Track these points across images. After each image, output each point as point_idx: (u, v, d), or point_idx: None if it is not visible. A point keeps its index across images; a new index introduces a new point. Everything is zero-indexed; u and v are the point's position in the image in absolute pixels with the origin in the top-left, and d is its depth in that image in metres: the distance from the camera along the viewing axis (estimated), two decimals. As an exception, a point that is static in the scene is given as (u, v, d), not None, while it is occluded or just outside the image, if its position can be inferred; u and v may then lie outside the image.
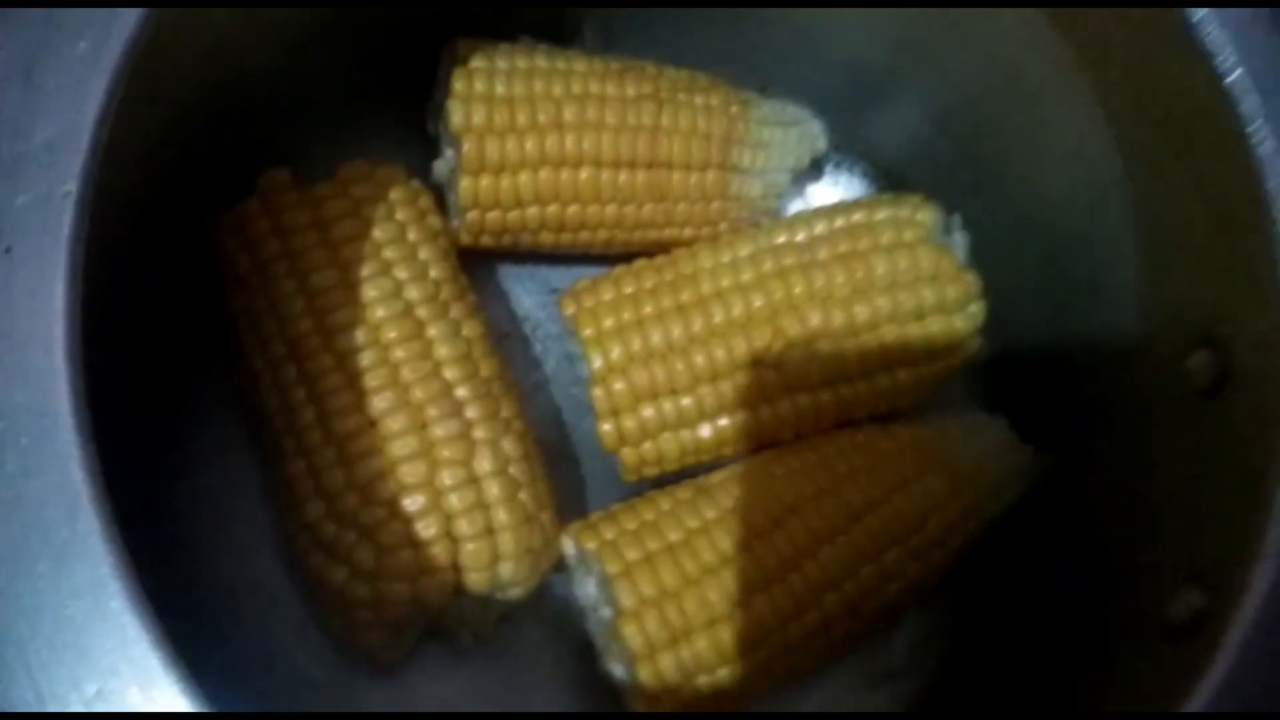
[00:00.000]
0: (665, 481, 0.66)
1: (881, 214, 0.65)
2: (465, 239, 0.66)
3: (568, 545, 0.62)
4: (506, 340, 0.74)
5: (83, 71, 0.39)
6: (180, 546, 0.65)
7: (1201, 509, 0.51)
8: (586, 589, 0.62)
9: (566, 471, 0.72)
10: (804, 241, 0.65)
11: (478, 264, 0.73)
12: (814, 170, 0.77)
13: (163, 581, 0.62)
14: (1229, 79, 0.44)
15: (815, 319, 0.62)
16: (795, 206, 0.77)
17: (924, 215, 0.64)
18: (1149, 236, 0.56)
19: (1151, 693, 0.47)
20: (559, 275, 0.74)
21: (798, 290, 0.62)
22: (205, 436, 0.67)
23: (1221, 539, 0.48)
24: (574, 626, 0.64)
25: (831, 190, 0.78)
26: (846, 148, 0.78)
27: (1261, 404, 0.45)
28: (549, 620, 0.68)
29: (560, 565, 0.64)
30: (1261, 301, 0.45)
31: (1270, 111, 0.43)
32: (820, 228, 0.65)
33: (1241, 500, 0.47)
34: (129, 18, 0.40)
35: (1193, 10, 0.44)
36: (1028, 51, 0.59)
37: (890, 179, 0.77)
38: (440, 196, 0.67)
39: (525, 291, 0.75)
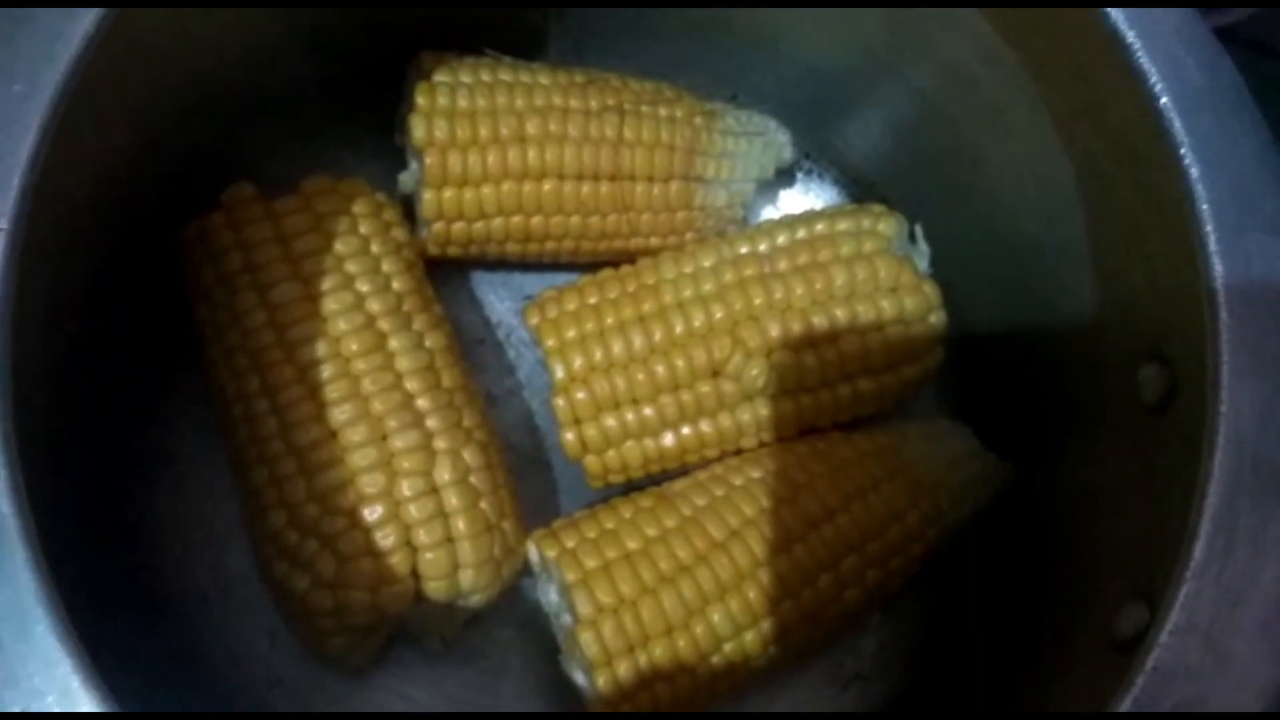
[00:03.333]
0: (635, 487, 0.67)
1: (842, 225, 0.65)
2: (432, 249, 0.67)
3: (532, 551, 0.63)
4: (480, 346, 0.75)
5: (15, 109, 0.39)
6: (152, 549, 0.67)
7: (1146, 524, 0.51)
8: (549, 595, 0.63)
9: (539, 477, 0.73)
10: (765, 252, 0.65)
11: (451, 271, 0.74)
12: (786, 178, 0.78)
13: (126, 588, 0.64)
14: (1160, 101, 0.44)
15: (774, 330, 0.63)
16: (767, 214, 0.78)
17: (884, 226, 0.65)
18: (1102, 247, 0.57)
19: (1090, 701, 0.48)
20: (532, 282, 0.75)
21: (757, 301, 0.63)
22: (180, 440, 0.69)
23: (1163, 553, 0.48)
24: (543, 629, 0.65)
25: (803, 198, 0.79)
26: (818, 155, 0.79)
27: (1199, 422, 0.45)
28: (519, 623, 0.69)
29: (529, 570, 0.65)
30: (1199, 320, 0.45)
31: (1196, 135, 0.43)
32: (782, 239, 0.65)
33: (1180, 514, 0.47)
34: (67, 47, 0.40)
35: (1124, 30, 0.45)
36: (984, 62, 0.59)
37: (861, 187, 0.78)
38: (409, 207, 0.68)
39: (498, 298, 0.76)
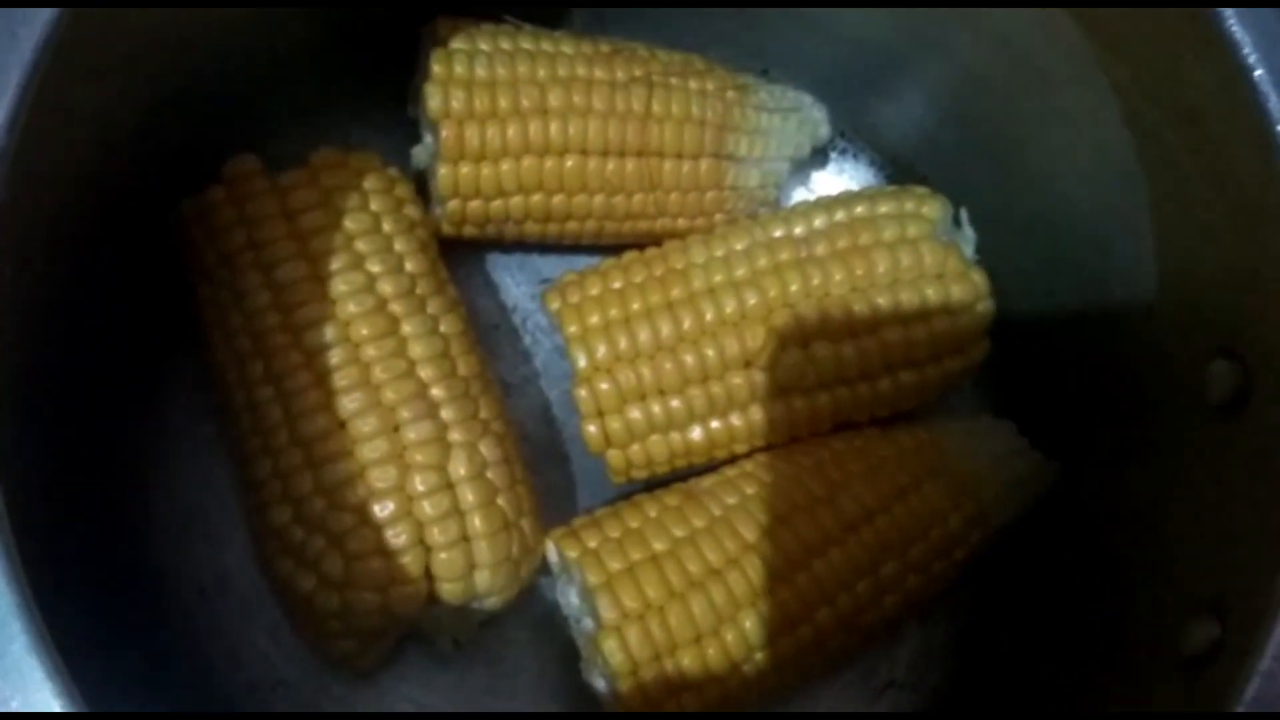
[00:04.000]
0: (657, 483, 0.64)
1: (884, 207, 0.61)
2: (447, 229, 0.64)
3: (551, 551, 0.60)
4: (495, 332, 0.72)
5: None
6: (148, 543, 0.63)
7: (1220, 534, 0.47)
8: (569, 597, 0.59)
9: (556, 470, 0.70)
10: (802, 236, 0.61)
11: (465, 253, 0.70)
12: (818, 158, 0.74)
13: (121, 585, 0.60)
14: (1255, 74, 0.40)
15: (811, 319, 0.59)
16: (799, 196, 0.74)
17: (929, 209, 0.61)
18: (1167, 237, 0.53)
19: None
20: (550, 265, 0.72)
21: (794, 288, 0.59)
22: (177, 428, 0.65)
23: (1240, 569, 0.45)
24: (560, 630, 0.62)
25: (836, 179, 0.75)
26: (853, 134, 0.75)
27: (1276, 428, 0.41)
28: (534, 624, 0.66)
29: (546, 569, 0.61)
30: (1277, 315, 0.41)
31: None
32: (819, 221, 0.62)
33: (1261, 529, 0.44)
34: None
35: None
36: (1041, 36, 0.55)
37: (898, 167, 0.74)
38: (422, 184, 0.64)
39: (515, 282, 0.73)
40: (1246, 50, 0.41)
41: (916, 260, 0.59)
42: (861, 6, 0.63)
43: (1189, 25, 0.43)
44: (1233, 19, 0.41)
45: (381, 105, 0.69)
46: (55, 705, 0.33)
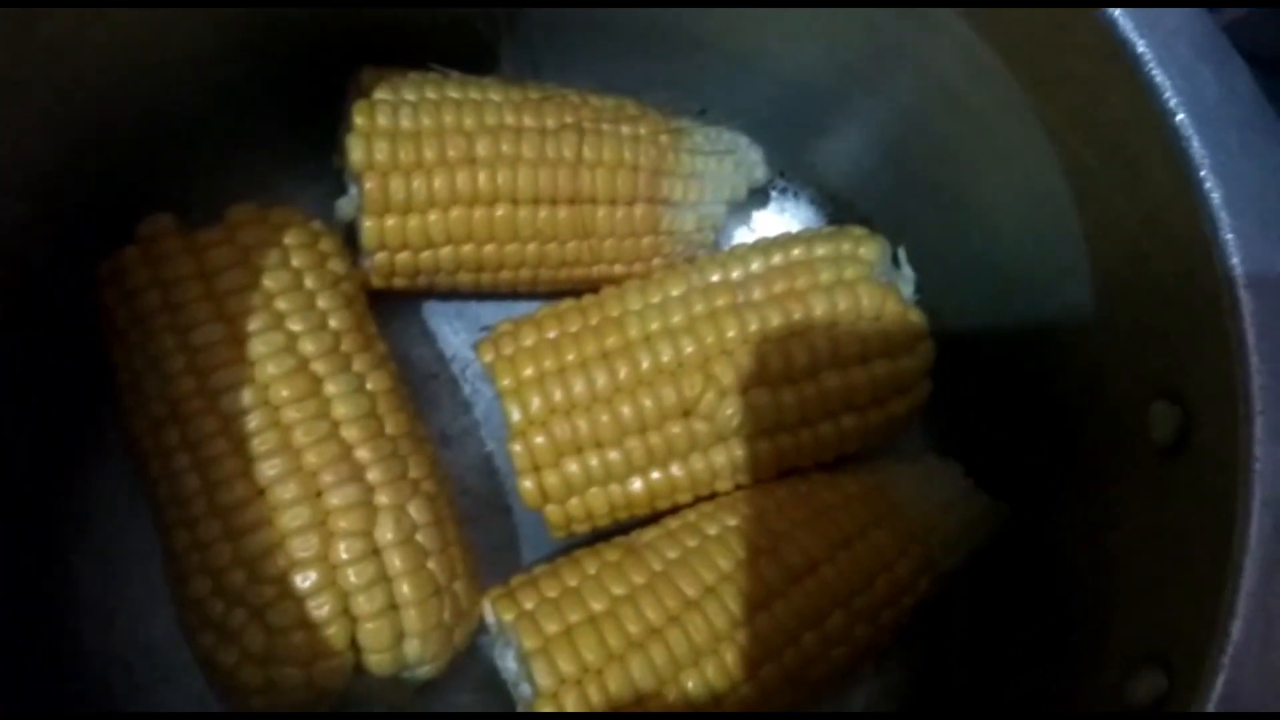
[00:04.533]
0: (603, 535, 0.62)
1: (821, 249, 0.60)
2: (376, 282, 0.62)
3: (488, 612, 0.58)
4: (434, 382, 0.70)
5: None
6: (70, 614, 0.61)
7: (1163, 581, 0.46)
8: (507, 661, 0.57)
9: (498, 522, 0.68)
10: (739, 280, 0.60)
11: (401, 302, 0.69)
12: (759, 198, 0.73)
13: (38, 657, 0.58)
14: (1176, 118, 0.39)
15: (749, 365, 0.58)
16: (740, 236, 0.73)
17: (866, 250, 0.60)
18: (1104, 276, 0.52)
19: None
20: (490, 312, 0.70)
21: (730, 334, 0.58)
22: (102, 496, 0.63)
23: (1183, 616, 0.44)
24: (505, 691, 0.60)
25: (778, 219, 0.74)
26: (793, 174, 0.74)
27: (1221, 468, 0.40)
28: (478, 686, 0.64)
29: (485, 628, 0.59)
30: (1216, 355, 0.41)
31: (1218, 156, 0.38)
32: (756, 265, 0.60)
33: (1203, 575, 0.43)
34: None
35: (1134, 41, 0.40)
36: (970, 72, 0.55)
37: (839, 206, 0.73)
38: (352, 236, 0.62)
39: (453, 330, 0.71)
40: (1168, 95, 0.40)
41: (854, 303, 0.58)
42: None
43: (1111, 66, 0.42)
44: (1152, 63, 0.40)
45: (313, 155, 0.67)
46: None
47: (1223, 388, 0.43)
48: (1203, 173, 0.38)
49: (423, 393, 0.68)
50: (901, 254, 0.62)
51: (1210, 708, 0.37)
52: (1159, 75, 0.39)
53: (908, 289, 0.61)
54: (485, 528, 0.66)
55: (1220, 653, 0.36)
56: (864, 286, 0.59)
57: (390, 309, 0.67)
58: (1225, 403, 0.43)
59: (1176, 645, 0.43)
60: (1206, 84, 0.39)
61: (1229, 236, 0.38)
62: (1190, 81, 0.39)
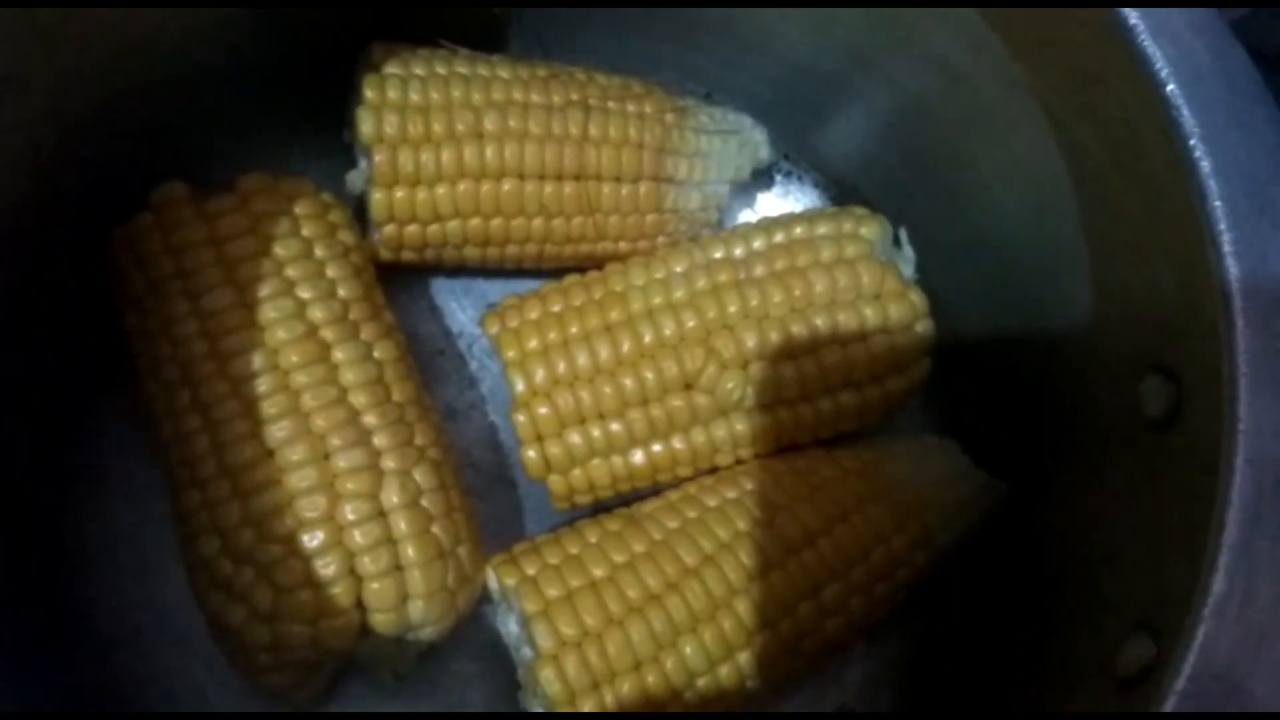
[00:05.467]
0: (605, 508, 0.63)
1: (822, 228, 0.61)
2: (385, 254, 0.63)
3: (491, 579, 0.59)
4: (440, 358, 0.71)
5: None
6: (81, 577, 0.62)
7: (1154, 551, 0.47)
8: (509, 626, 0.58)
9: (502, 496, 0.69)
10: (741, 257, 0.61)
11: (409, 278, 0.70)
12: (763, 180, 0.74)
13: (54, 622, 0.59)
14: (1167, 89, 0.40)
15: (750, 340, 0.59)
16: (743, 217, 0.74)
17: (867, 230, 0.61)
18: (1097, 252, 0.53)
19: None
20: (496, 289, 0.71)
21: (732, 309, 0.59)
22: (112, 463, 0.64)
23: (1171, 583, 0.44)
24: (506, 661, 0.61)
25: (781, 201, 0.75)
26: (797, 156, 0.75)
27: (1207, 441, 0.41)
28: (479, 655, 0.65)
29: (489, 597, 0.60)
30: (1205, 329, 0.41)
31: (1208, 126, 0.39)
32: (758, 243, 0.61)
33: (1191, 541, 0.43)
34: None
35: (1126, 14, 0.41)
36: (972, 55, 0.55)
37: (842, 189, 0.74)
38: (360, 209, 0.63)
39: (460, 306, 0.72)
40: (1159, 64, 0.41)
41: (854, 281, 0.59)
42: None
43: (1106, 42, 0.43)
44: (1145, 35, 0.41)
45: (322, 130, 0.68)
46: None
47: (1213, 359, 0.44)
48: (1192, 142, 0.39)
49: (429, 368, 0.69)
50: (903, 234, 0.63)
51: (1189, 664, 0.38)
52: (1150, 45, 0.40)
53: (908, 269, 0.62)
54: (489, 501, 0.67)
55: (1201, 605, 0.36)
56: (864, 265, 0.60)
57: (398, 285, 0.68)
58: (1215, 374, 0.44)
59: (1163, 611, 0.44)
60: (1198, 54, 0.40)
61: (1217, 204, 0.39)
62: (1181, 51, 0.40)
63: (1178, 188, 0.42)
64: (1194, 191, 0.40)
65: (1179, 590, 0.42)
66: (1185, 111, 0.40)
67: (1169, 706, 0.36)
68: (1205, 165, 0.39)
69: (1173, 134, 0.41)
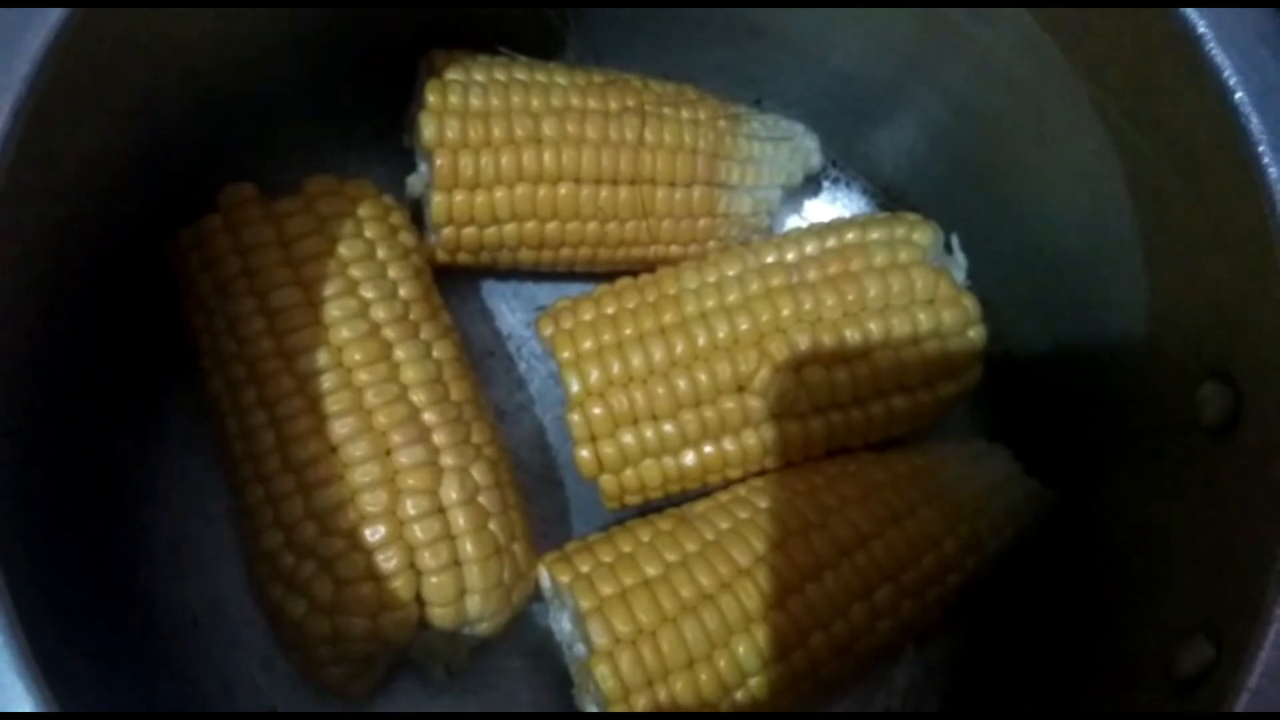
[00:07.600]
0: (652, 509, 0.64)
1: (875, 233, 0.62)
2: (442, 256, 0.64)
3: (543, 576, 0.60)
4: (490, 359, 0.72)
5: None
6: (140, 572, 0.63)
7: (1212, 555, 0.47)
8: (562, 623, 0.59)
9: (550, 496, 0.69)
10: (793, 261, 0.62)
11: (460, 281, 0.71)
12: (812, 186, 0.74)
13: (112, 612, 0.60)
14: (1235, 96, 0.40)
15: (803, 343, 0.59)
16: (792, 223, 0.74)
17: (920, 235, 0.61)
18: (1154, 259, 0.53)
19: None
20: (545, 293, 0.72)
21: (785, 313, 0.59)
22: (173, 458, 0.65)
23: (1231, 589, 0.45)
24: (554, 659, 0.62)
25: (830, 207, 0.75)
26: (845, 163, 0.75)
27: (1267, 447, 0.41)
28: (528, 652, 0.65)
29: (539, 596, 0.61)
30: (1270, 334, 0.42)
31: (1275, 134, 0.39)
32: (811, 247, 0.62)
33: (1251, 549, 0.43)
34: (32, 45, 0.37)
35: (1194, 22, 0.41)
36: (1027, 61, 0.56)
37: (891, 196, 0.74)
38: (417, 213, 0.65)
39: (510, 309, 0.73)
40: (1227, 73, 0.41)
41: (907, 285, 0.60)
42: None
43: (1169, 49, 0.44)
44: (1212, 43, 0.41)
45: (379, 135, 0.69)
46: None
47: (1273, 367, 0.45)
48: (1260, 148, 0.40)
49: (480, 368, 0.70)
50: (954, 240, 0.64)
51: (1254, 680, 0.38)
52: (1218, 55, 0.40)
53: (960, 274, 0.62)
54: (538, 501, 0.68)
55: (1266, 625, 0.36)
56: (918, 270, 0.60)
57: (449, 287, 0.69)
58: (1274, 379, 0.44)
59: (1224, 617, 0.44)
60: (1266, 63, 0.40)
61: (1284, 210, 0.39)
62: (1250, 61, 0.40)
63: (1243, 195, 0.42)
64: (1264, 199, 0.41)
65: (1241, 599, 0.42)
66: (1254, 120, 0.40)
67: (1241, 703, 0.36)
68: (1273, 173, 0.39)
69: (1239, 141, 0.41)
